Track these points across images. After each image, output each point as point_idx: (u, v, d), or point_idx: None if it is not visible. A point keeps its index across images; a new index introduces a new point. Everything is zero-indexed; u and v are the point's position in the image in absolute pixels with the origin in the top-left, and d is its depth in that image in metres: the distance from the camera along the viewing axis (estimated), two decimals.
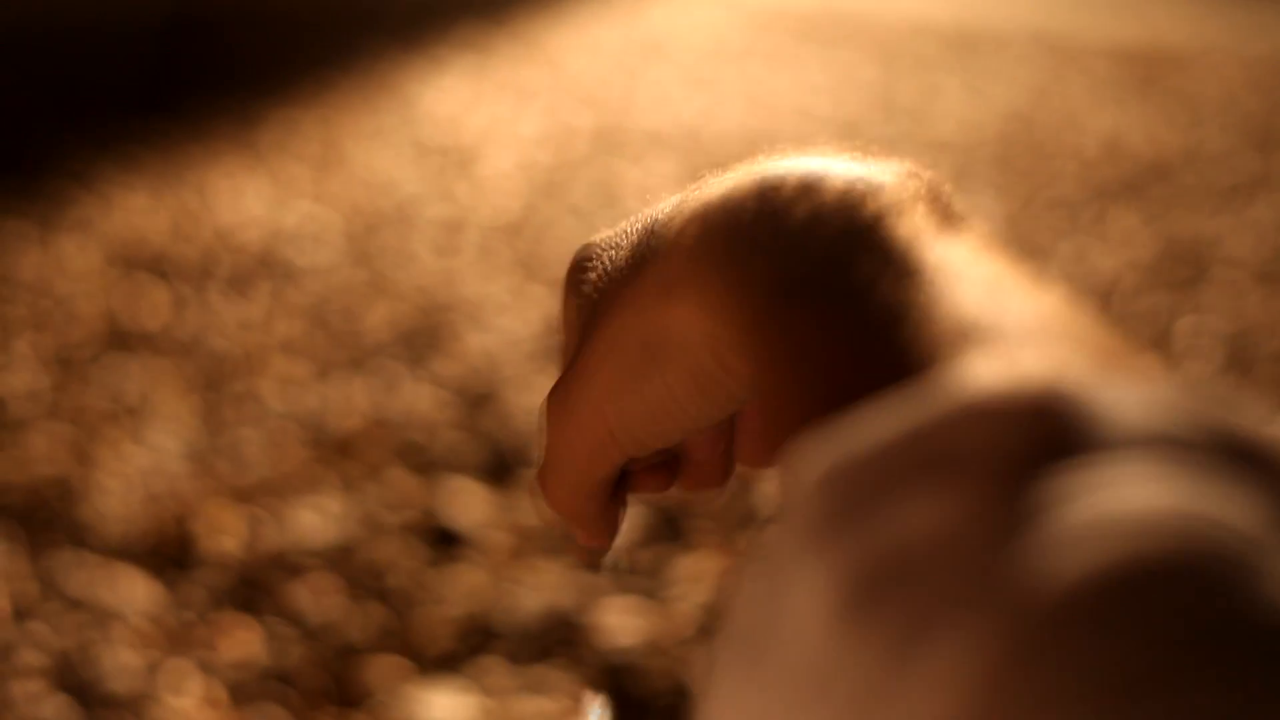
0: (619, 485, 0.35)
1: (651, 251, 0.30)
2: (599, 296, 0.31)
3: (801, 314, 0.24)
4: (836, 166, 0.28)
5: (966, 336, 0.22)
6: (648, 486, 0.34)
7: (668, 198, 0.33)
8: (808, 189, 0.27)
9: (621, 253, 0.32)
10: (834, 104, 4.28)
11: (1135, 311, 2.50)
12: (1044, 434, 0.18)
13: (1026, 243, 2.85)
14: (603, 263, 0.32)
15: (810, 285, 0.25)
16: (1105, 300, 2.54)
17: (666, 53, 5.11)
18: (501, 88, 4.32)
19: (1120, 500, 0.16)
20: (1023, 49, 5.31)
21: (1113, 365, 0.21)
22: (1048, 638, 0.15)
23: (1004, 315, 0.22)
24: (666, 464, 0.34)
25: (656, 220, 0.31)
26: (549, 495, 0.33)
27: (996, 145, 3.75)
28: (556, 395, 0.32)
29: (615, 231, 0.34)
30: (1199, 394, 0.19)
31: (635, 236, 0.32)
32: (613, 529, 0.35)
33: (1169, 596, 0.15)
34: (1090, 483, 0.17)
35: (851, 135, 3.80)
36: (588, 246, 0.35)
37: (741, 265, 0.26)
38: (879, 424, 0.19)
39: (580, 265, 0.35)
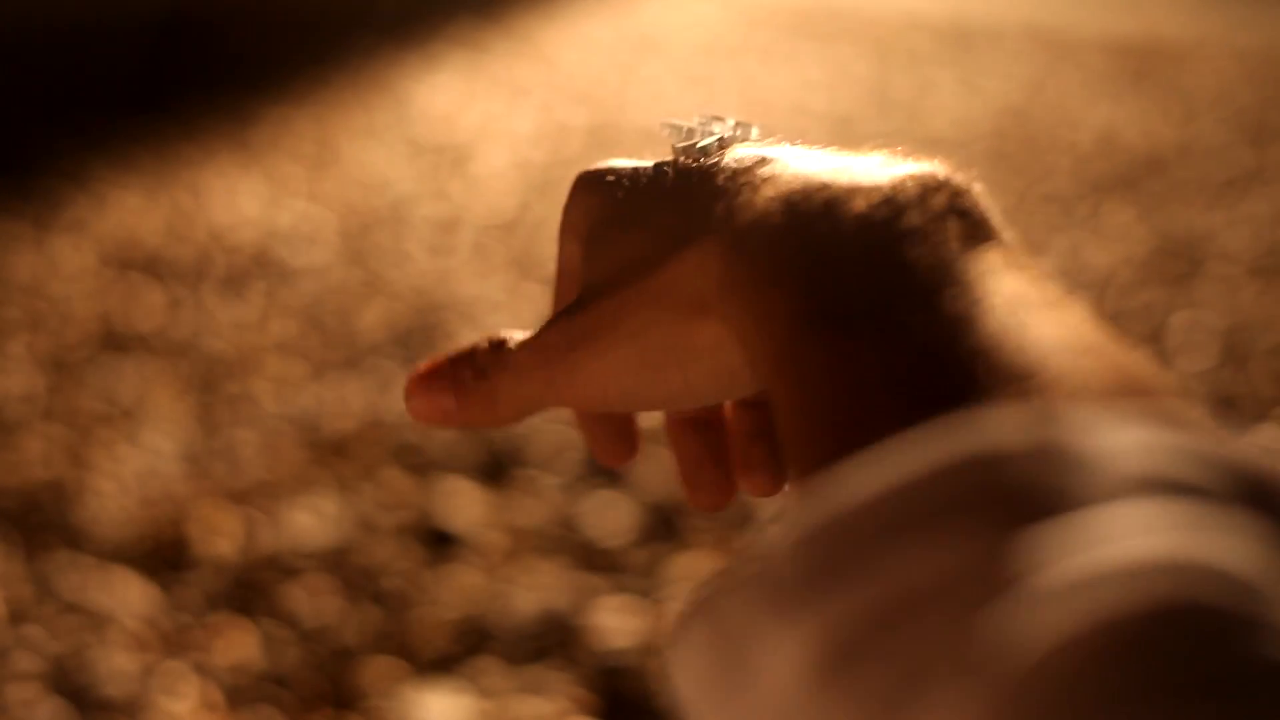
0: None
1: (682, 242, 0.28)
2: (620, 269, 0.29)
3: (816, 347, 0.24)
4: (863, 177, 0.26)
5: (980, 368, 0.21)
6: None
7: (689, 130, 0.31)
8: (830, 207, 0.26)
9: (642, 212, 0.30)
10: (829, 99, 4.27)
11: (1130, 307, 2.50)
12: (1038, 485, 0.17)
13: (1021, 238, 2.84)
14: (617, 212, 0.30)
15: (825, 317, 0.24)
16: (1100, 295, 2.54)
17: (660, 49, 5.11)
18: (495, 84, 4.31)
19: (1110, 554, 0.16)
20: (1017, 43, 5.30)
21: (1129, 391, 0.20)
22: (1034, 700, 0.15)
23: (1022, 342, 0.22)
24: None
25: (691, 180, 0.29)
26: (506, 389, 0.31)
27: (991, 140, 3.75)
28: (557, 347, 0.30)
29: (626, 168, 0.32)
30: (1209, 429, 0.19)
31: (660, 198, 0.30)
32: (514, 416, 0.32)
33: (1156, 653, 0.15)
34: (1083, 536, 0.16)
35: (847, 131, 3.80)
36: (592, 180, 0.33)
37: (765, 297, 0.25)
38: (867, 477, 0.19)
39: (581, 203, 0.32)
